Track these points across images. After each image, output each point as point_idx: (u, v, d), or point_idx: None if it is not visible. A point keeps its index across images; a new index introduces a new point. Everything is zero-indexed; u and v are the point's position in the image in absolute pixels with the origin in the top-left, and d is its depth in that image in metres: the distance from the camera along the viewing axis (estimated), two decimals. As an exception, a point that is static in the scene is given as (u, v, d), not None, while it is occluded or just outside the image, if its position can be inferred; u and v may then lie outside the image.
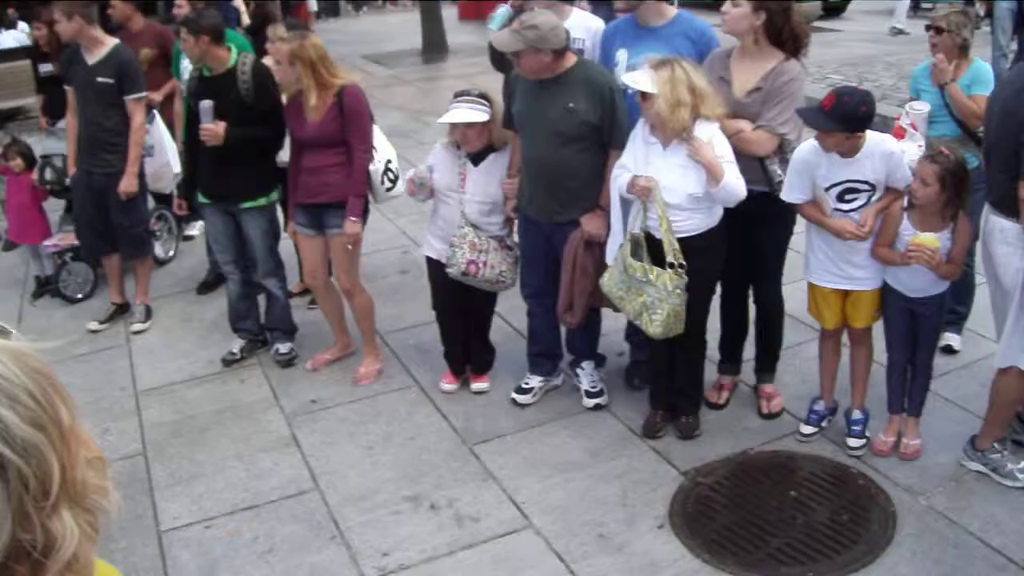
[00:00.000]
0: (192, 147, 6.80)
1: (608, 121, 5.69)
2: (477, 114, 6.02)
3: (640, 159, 5.47)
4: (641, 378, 6.48)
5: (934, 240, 5.16)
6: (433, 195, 6.35)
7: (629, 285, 5.51)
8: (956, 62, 6.27)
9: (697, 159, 5.28)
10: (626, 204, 5.61)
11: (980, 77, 6.17)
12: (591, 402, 6.31)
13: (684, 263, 5.37)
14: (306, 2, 22.41)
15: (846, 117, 5.12)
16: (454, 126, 6.13)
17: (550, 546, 5.09)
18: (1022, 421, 5.76)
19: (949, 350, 6.73)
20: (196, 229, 9.50)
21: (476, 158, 6.20)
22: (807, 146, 5.40)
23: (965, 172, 5.21)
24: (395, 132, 11.88)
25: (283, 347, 7.16)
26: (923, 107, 6.18)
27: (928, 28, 6.44)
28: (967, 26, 6.31)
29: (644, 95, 5.27)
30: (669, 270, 5.38)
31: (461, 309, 6.58)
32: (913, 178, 5.25)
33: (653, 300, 5.42)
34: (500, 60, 7.50)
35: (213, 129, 6.41)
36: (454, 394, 6.60)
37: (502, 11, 7.63)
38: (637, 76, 5.30)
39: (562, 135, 5.69)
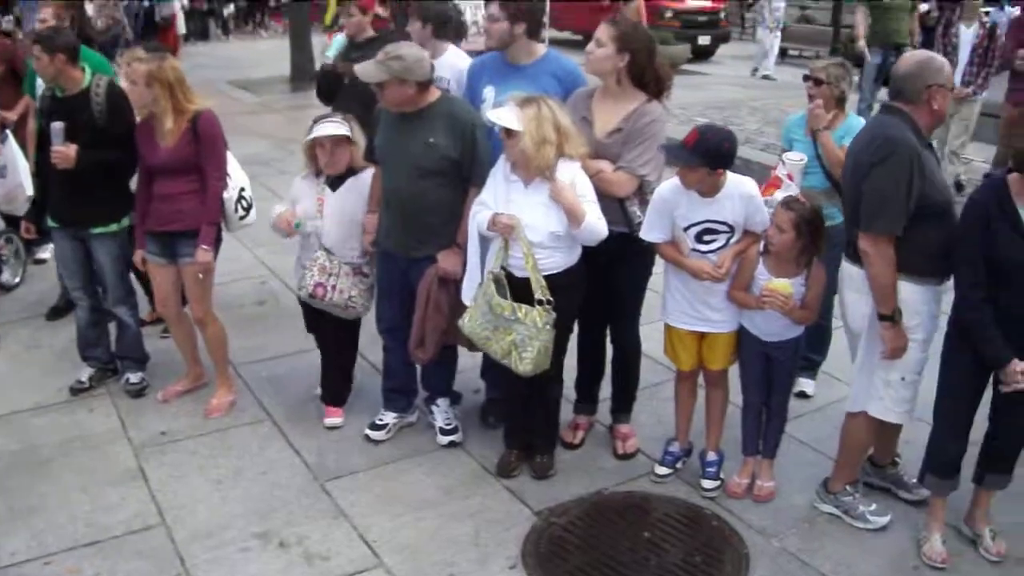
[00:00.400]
0: (42, 169, 6.59)
1: (468, 157, 5.66)
2: (343, 128, 6.03)
3: (501, 197, 5.44)
4: (496, 416, 6.45)
5: (787, 286, 5.24)
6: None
7: (496, 324, 5.46)
8: (834, 113, 6.34)
9: (558, 202, 5.28)
10: (484, 242, 5.58)
11: (854, 131, 6.18)
12: (445, 439, 6.25)
13: (552, 299, 5.36)
14: (174, 25, 22.11)
15: (709, 153, 5.17)
16: (319, 150, 6.07)
17: (400, 586, 5.03)
18: (874, 464, 5.86)
19: (803, 395, 6.85)
20: (47, 252, 9.20)
21: (335, 183, 6.17)
22: (668, 185, 5.43)
23: (820, 220, 5.31)
24: (259, 160, 11.77)
25: (134, 377, 6.95)
26: (799, 157, 6.21)
27: (807, 79, 6.48)
28: (846, 79, 6.39)
29: (508, 132, 5.24)
30: (538, 307, 5.36)
31: (321, 333, 6.60)
32: (770, 224, 5.32)
33: (523, 338, 5.38)
34: (328, 91, 7.47)
35: (64, 152, 6.19)
36: (307, 429, 6.47)
37: (339, 39, 7.59)
38: (502, 113, 5.28)
39: (421, 169, 5.64)
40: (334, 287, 6.10)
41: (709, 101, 17.57)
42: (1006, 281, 4.79)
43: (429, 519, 5.55)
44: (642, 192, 5.60)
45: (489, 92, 6.02)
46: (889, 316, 5.01)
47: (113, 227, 6.53)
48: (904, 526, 5.53)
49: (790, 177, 6.14)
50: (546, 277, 5.38)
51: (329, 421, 6.54)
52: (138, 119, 6.41)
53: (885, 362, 5.15)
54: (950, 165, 11.61)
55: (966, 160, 12.37)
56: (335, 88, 7.24)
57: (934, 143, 5.20)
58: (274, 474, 5.98)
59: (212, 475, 5.96)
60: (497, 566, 5.17)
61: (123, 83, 6.74)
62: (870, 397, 5.30)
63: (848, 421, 5.51)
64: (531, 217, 5.33)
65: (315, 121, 6.16)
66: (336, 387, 6.66)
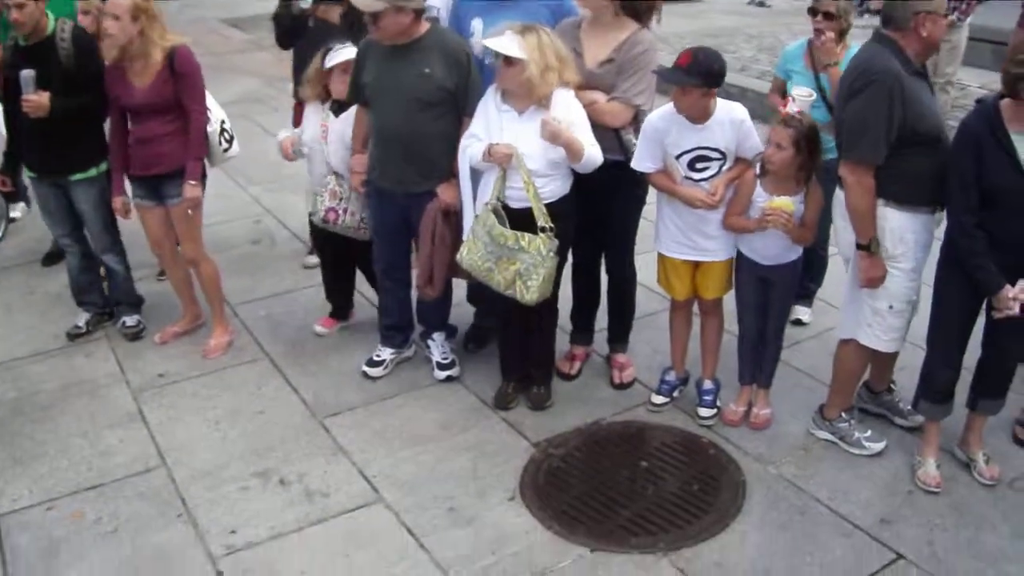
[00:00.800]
0: (13, 121, 6.48)
1: (463, 87, 5.63)
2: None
3: (494, 127, 5.42)
4: (476, 343, 6.58)
5: (790, 203, 5.23)
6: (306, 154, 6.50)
7: (500, 255, 5.45)
8: (840, 46, 6.27)
9: (557, 144, 5.26)
10: (476, 175, 5.57)
11: None
12: (442, 374, 6.28)
13: (553, 226, 5.37)
14: (162, -36, 21.84)
15: (702, 72, 5.14)
16: (341, 75, 6.15)
17: (400, 520, 5.06)
18: (870, 391, 5.89)
19: (799, 323, 6.87)
20: (18, 211, 9.05)
21: (338, 109, 6.24)
22: (658, 113, 5.41)
23: (817, 136, 5.29)
24: (251, 97, 11.66)
25: (129, 320, 6.95)
26: (808, 93, 6.12)
27: (814, 12, 6.35)
28: (852, 12, 6.35)
29: (509, 61, 5.21)
30: (541, 234, 5.36)
31: (338, 252, 6.76)
32: (767, 144, 5.29)
33: (528, 267, 5.39)
34: (287, 37, 7.36)
35: (37, 100, 6.06)
36: (305, 367, 6.49)
37: None
38: (503, 42, 5.23)
39: (419, 101, 5.61)
40: (345, 210, 6.24)
41: (704, 29, 17.41)
42: (995, 206, 4.78)
43: (428, 453, 5.58)
44: (636, 121, 5.57)
45: (477, 25, 5.95)
46: (865, 245, 5.03)
47: (92, 172, 6.44)
48: (899, 451, 5.57)
49: (800, 114, 6.08)
50: (545, 205, 5.39)
51: (318, 328, 6.88)
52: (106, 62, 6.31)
53: (873, 290, 5.16)
54: (943, 94, 11.51)
55: (961, 86, 12.28)
56: (300, 31, 7.14)
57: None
58: (273, 412, 6.01)
59: (211, 415, 5.98)
60: (496, 499, 5.21)
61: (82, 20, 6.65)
62: (858, 325, 5.32)
63: (840, 348, 5.55)
64: (527, 146, 5.31)
65: (325, 52, 6.21)
66: (341, 301, 6.98)
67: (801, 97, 6.02)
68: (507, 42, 5.21)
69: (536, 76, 5.18)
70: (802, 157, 5.23)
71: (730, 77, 5.50)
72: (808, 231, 5.42)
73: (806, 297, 6.93)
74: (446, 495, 5.23)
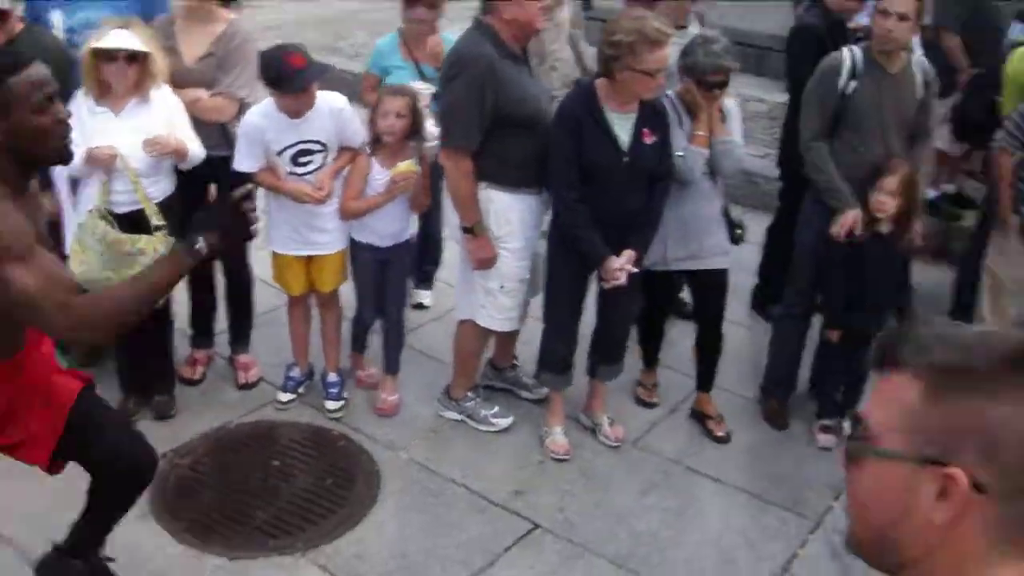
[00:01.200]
0: None
1: (63, 89, 5.36)
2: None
3: (88, 131, 5.18)
4: (92, 358, 6.23)
5: (412, 165, 5.31)
6: None
7: (118, 263, 5.19)
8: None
9: (165, 154, 5.19)
10: (72, 183, 5.36)
11: None
12: (58, 393, 5.98)
13: (166, 223, 5.21)
14: None
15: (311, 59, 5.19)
16: None
17: (26, 557, 4.79)
18: (494, 367, 6.03)
19: (421, 306, 6.94)
20: None
21: None
22: (255, 111, 5.38)
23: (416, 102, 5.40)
24: None
25: None
26: (427, 86, 6.02)
27: (412, 2, 6.17)
28: None
29: (133, 58, 5.05)
30: (157, 234, 5.18)
31: None
32: (384, 117, 5.32)
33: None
34: None
35: None
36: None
37: None
38: (123, 39, 5.02)
39: None
40: None
41: (320, 16, 17.25)
42: (594, 182, 4.98)
43: (50, 481, 5.27)
44: (241, 113, 5.53)
45: (58, 18, 5.76)
46: (469, 228, 5.15)
47: None
48: (527, 424, 5.77)
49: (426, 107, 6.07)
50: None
51: None
52: None
53: (485, 271, 5.27)
54: (553, 71, 11.78)
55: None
56: None
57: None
58: None
59: None
60: (126, 518, 4.99)
61: None
62: (473, 306, 5.44)
63: (458, 329, 5.68)
64: (129, 146, 5.15)
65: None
66: None
67: (423, 92, 6.02)
68: (127, 39, 5.04)
69: (161, 64, 5.13)
70: (414, 123, 5.35)
71: (344, 64, 5.47)
72: (425, 194, 5.59)
73: (426, 280, 7.00)
74: (72, 522, 4.99)
